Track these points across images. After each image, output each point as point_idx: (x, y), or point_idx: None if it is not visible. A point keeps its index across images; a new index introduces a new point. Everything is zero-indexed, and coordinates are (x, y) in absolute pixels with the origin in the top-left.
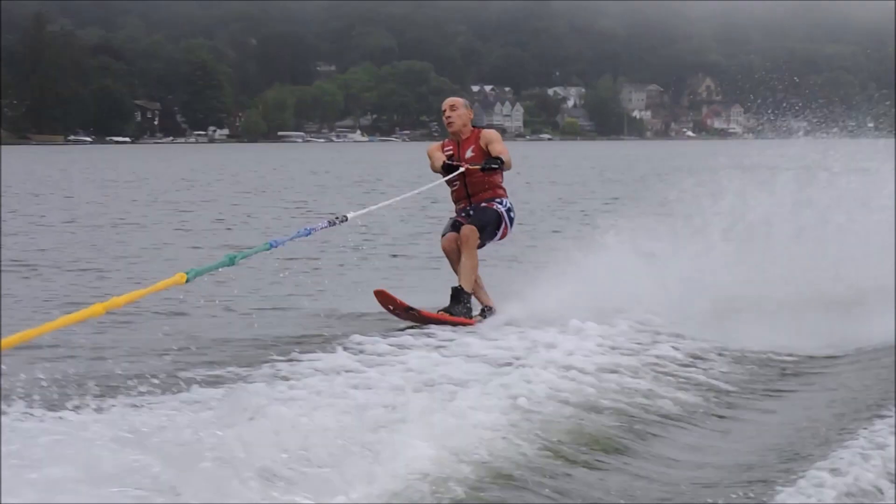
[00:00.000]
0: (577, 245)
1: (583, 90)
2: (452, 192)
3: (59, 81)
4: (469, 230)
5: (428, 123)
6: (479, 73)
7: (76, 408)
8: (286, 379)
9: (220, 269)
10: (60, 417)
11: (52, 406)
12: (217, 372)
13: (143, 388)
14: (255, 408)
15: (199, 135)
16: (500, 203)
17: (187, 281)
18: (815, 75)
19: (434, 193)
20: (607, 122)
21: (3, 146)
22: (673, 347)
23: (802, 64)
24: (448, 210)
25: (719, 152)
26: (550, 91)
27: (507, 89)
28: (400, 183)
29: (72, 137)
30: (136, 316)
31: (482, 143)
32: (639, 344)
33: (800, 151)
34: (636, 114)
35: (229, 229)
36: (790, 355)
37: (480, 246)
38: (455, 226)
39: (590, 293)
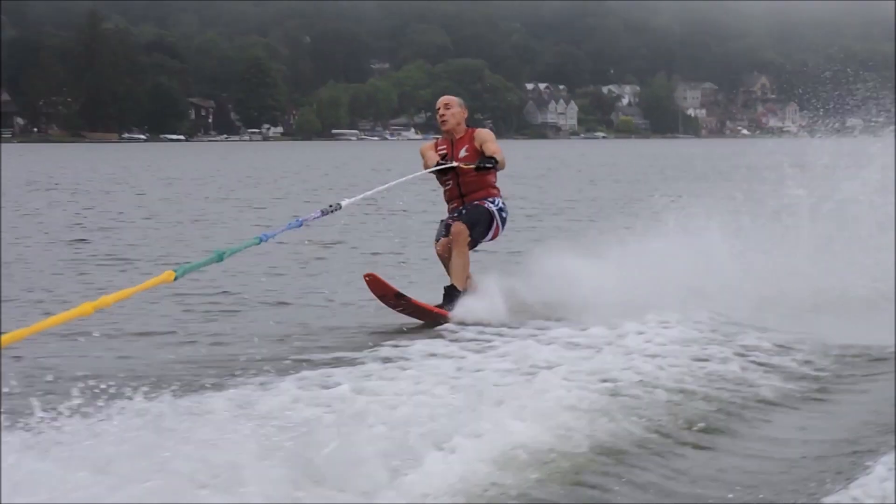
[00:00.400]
0: (654, 238)
1: (637, 88)
2: (445, 191)
3: (114, 79)
4: (459, 228)
5: (482, 122)
6: (533, 70)
7: (213, 386)
8: (396, 360)
9: (246, 260)
10: (199, 402)
11: (187, 389)
12: (334, 355)
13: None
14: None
15: (252, 133)
16: (492, 202)
17: (176, 279)
18: (871, 73)
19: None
20: (662, 121)
21: (58, 143)
22: (758, 337)
23: (858, 62)
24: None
25: (778, 150)
26: (605, 89)
27: (561, 87)
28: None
29: (126, 135)
30: (241, 305)
31: (476, 143)
32: (724, 335)
33: (858, 148)
34: (691, 112)
35: (308, 225)
36: (879, 346)
37: (473, 245)
38: (447, 229)
39: (672, 284)
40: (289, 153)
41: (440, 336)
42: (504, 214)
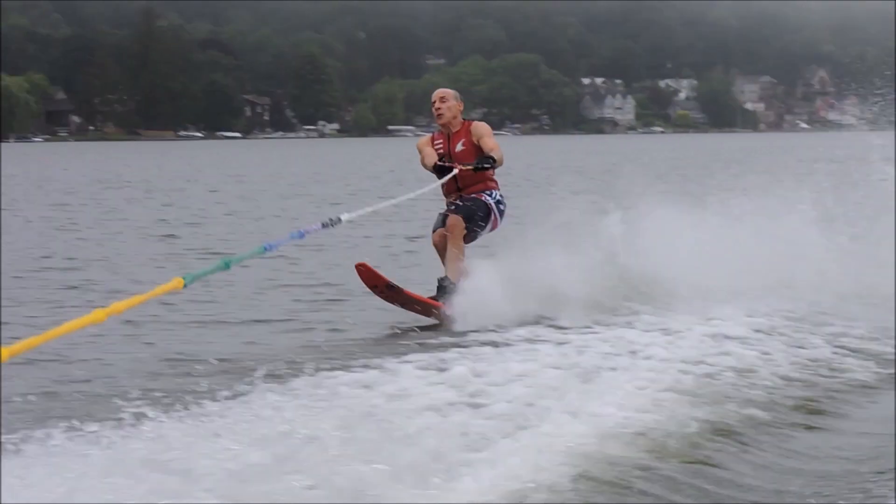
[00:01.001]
0: (736, 225)
1: (695, 82)
2: (443, 185)
3: (169, 77)
4: (455, 220)
5: (539, 117)
6: (589, 65)
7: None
8: (501, 345)
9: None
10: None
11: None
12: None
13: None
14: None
15: (308, 129)
16: (490, 195)
17: (185, 286)
18: None
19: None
20: (720, 115)
21: (114, 141)
22: (848, 326)
23: None
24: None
25: (838, 145)
26: (662, 83)
27: (617, 82)
28: (517, 178)
29: (182, 133)
30: (346, 295)
31: (473, 137)
32: (813, 323)
33: None
34: (749, 105)
35: (389, 220)
36: None
37: (472, 238)
38: (444, 220)
39: (759, 271)
40: (348, 149)
41: (539, 322)
42: (502, 206)
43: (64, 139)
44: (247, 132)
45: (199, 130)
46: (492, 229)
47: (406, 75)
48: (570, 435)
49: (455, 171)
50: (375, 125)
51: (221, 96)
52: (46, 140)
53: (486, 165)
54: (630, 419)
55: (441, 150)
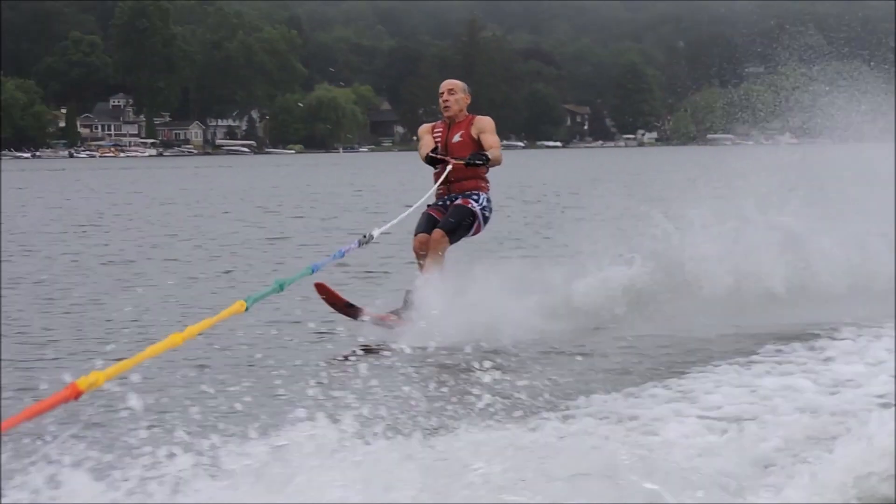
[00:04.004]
0: None
1: None
2: (434, 173)
3: (492, 87)
4: (439, 236)
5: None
6: None
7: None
8: (784, 362)
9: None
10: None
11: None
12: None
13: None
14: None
15: (627, 138)
16: (477, 199)
17: (247, 309)
18: None
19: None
20: None
21: None
22: None
23: None
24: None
25: None
26: None
27: None
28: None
29: (503, 142)
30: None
31: (473, 131)
32: None
33: None
34: None
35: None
36: None
37: (454, 241)
38: (428, 222)
39: None
40: (665, 156)
41: (816, 335)
42: (487, 213)
43: (388, 149)
44: (567, 141)
45: (520, 140)
46: (474, 234)
47: (725, 83)
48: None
49: (449, 166)
50: (694, 134)
51: (543, 106)
52: (371, 150)
53: (477, 162)
54: None
55: (439, 139)
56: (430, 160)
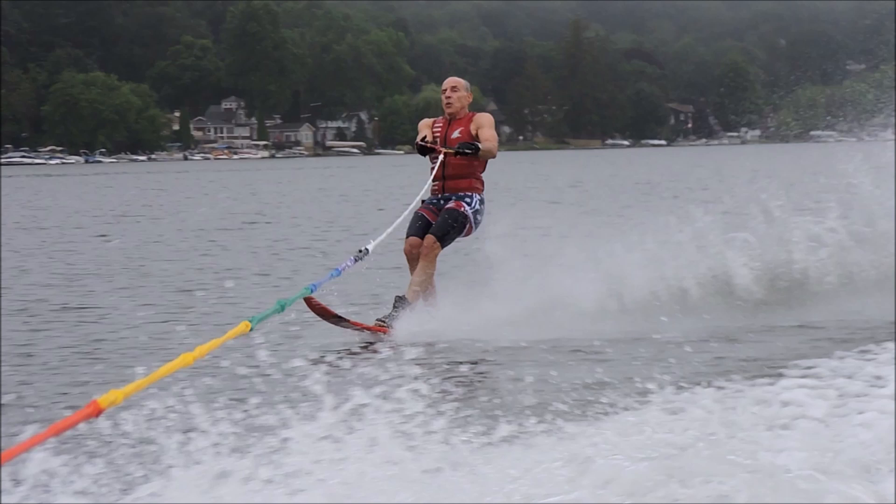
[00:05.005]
0: None
1: None
2: (431, 168)
3: (596, 86)
4: (430, 242)
5: None
6: None
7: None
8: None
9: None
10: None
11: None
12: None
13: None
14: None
15: (730, 136)
16: (469, 202)
17: (251, 329)
18: None
19: None
20: None
21: (543, 150)
22: None
23: None
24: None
25: None
26: None
27: None
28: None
29: (609, 141)
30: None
31: (472, 127)
32: None
33: None
34: None
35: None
36: None
37: (446, 245)
38: (420, 224)
39: None
40: (770, 153)
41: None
42: (479, 217)
43: None
44: (671, 140)
45: (625, 139)
46: (465, 235)
47: (827, 81)
48: None
49: (440, 157)
50: (796, 131)
51: (647, 105)
52: None
53: (467, 151)
54: None
55: (438, 134)
56: (420, 149)
